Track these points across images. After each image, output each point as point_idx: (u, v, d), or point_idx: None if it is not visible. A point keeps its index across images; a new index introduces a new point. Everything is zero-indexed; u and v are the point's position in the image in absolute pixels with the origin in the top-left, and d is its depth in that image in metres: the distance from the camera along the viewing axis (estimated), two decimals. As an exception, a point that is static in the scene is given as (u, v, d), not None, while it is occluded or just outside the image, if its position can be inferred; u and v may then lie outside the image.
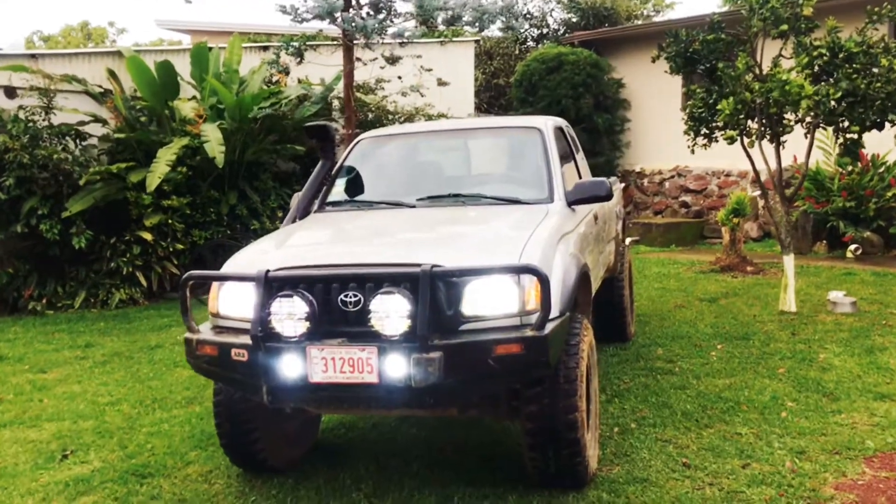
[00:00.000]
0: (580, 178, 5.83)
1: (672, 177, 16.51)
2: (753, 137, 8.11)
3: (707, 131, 8.68)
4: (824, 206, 11.93)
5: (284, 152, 11.46)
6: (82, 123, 10.46)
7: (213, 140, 9.63)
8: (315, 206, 5.15)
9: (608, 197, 4.89)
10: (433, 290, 3.60)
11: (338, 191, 5.21)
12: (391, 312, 3.54)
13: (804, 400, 5.43)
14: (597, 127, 16.11)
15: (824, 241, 12.19)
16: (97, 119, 10.54)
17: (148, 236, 10.00)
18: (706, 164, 15.45)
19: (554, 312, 3.78)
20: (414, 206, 4.84)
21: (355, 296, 3.67)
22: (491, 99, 18.98)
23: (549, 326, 3.66)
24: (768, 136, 7.96)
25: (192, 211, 10.50)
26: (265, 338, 3.68)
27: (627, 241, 13.83)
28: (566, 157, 5.69)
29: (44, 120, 10.07)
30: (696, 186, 15.91)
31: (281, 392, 3.75)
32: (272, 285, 3.74)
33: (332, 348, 3.60)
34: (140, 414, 5.71)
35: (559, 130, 5.64)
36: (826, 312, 8.04)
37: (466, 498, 4.08)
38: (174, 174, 10.03)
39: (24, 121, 9.79)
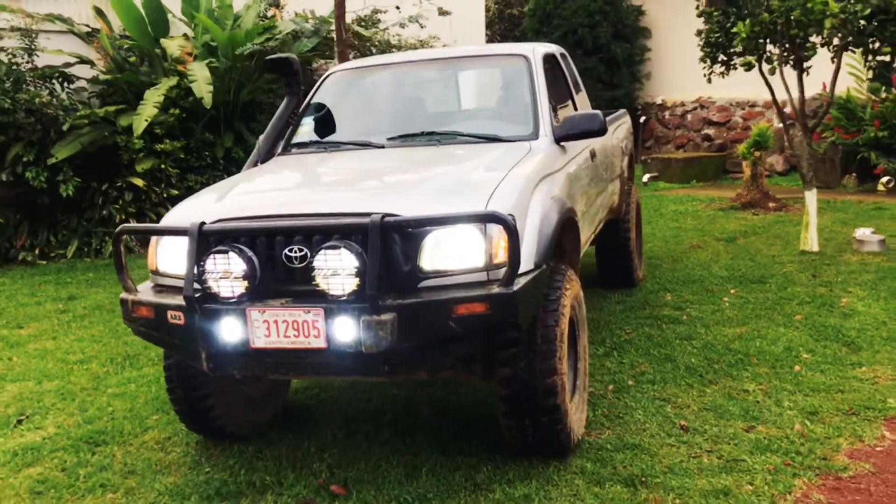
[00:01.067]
0: (578, 111, 5.30)
1: (694, 109, 15.76)
2: (774, 64, 7.46)
3: (725, 58, 8.04)
4: (854, 136, 11.22)
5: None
6: (68, 65, 10.01)
7: (201, 79, 9.16)
8: (279, 148, 4.69)
9: (601, 132, 4.37)
10: (386, 244, 3.17)
11: (305, 130, 4.74)
12: (337, 269, 3.10)
13: (821, 351, 4.96)
14: (615, 57, 15.36)
15: (854, 175, 11.52)
16: (83, 60, 10.07)
17: (140, 182, 9.61)
18: (730, 95, 14.70)
19: (527, 265, 3.34)
20: (383, 147, 4.37)
21: (301, 251, 3.24)
22: (505, 31, 18.19)
23: (521, 282, 3.22)
24: (791, 62, 7.31)
25: (186, 155, 10.08)
26: (202, 299, 3.28)
27: (645, 177, 13.36)
28: (560, 88, 5.15)
29: (27, 62, 9.63)
30: (720, 118, 15.17)
31: (222, 358, 3.36)
32: (208, 240, 3.32)
33: (275, 310, 3.18)
34: (108, 373, 5.39)
35: (551, 59, 5.09)
36: (851, 252, 7.50)
37: (437, 469, 3.70)
38: (166, 116, 9.60)
39: (7, 64, 9.36)
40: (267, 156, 4.61)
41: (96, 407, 4.77)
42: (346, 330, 3.12)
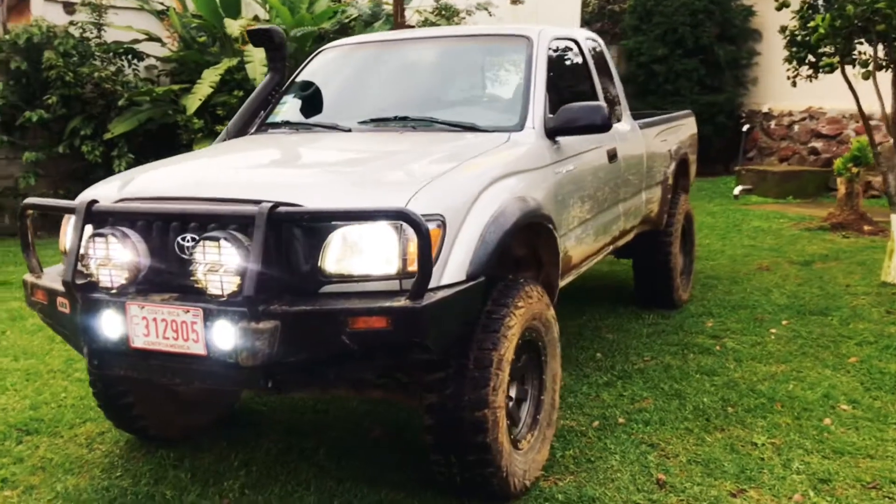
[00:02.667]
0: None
1: (803, 119, 14.52)
2: (870, 66, 6.53)
3: (813, 59, 7.14)
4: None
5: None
6: (136, 42, 10.03)
7: (257, 61, 8.95)
8: (254, 127, 4.29)
9: (603, 127, 3.77)
10: (281, 239, 2.70)
11: (283, 109, 4.33)
12: (216, 265, 2.67)
13: (867, 403, 4.17)
14: (718, 60, 14.30)
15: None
16: (151, 37, 10.06)
17: (196, 162, 9.50)
18: (843, 106, 13.38)
19: (455, 276, 2.81)
20: (349, 131, 3.90)
21: (193, 240, 2.81)
22: (605, 27, 17.34)
23: (437, 295, 2.69)
24: (883, 64, 6.37)
25: (245, 137, 9.92)
26: (84, 287, 2.91)
27: (737, 189, 12.36)
28: (575, 78, 4.54)
29: (97, 37, 9.68)
30: (830, 131, 13.89)
31: (104, 356, 2.97)
32: (98, 221, 2.95)
33: (154, 306, 2.77)
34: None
35: (567, 44, 4.48)
36: (943, 287, 6.50)
37: (351, 502, 3.21)
38: (228, 97, 9.46)
39: (76, 38, 9.42)
40: (238, 134, 4.23)
41: (51, 392, 4.53)
42: (226, 336, 2.67)
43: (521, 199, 3.26)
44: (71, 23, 9.56)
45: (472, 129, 3.72)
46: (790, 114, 14.71)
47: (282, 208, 2.66)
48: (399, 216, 2.60)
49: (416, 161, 3.21)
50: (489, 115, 3.87)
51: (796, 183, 12.30)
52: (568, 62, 4.46)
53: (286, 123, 4.18)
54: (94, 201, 2.96)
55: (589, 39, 4.87)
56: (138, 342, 2.82)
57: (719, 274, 7.15)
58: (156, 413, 3.69)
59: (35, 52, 9.17)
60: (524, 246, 3.61)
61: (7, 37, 9.21)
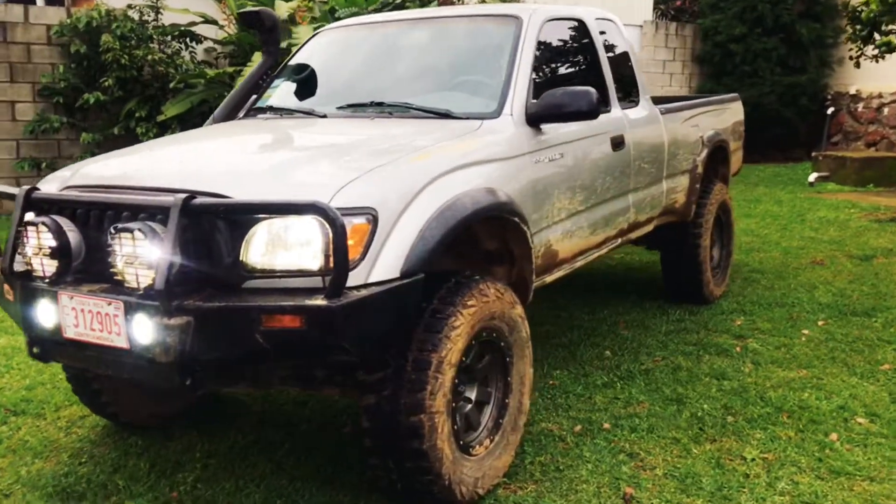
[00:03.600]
0: (608, 93, 4.39)
1: (894, 101, 13.64)
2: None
3: (881, 36, 6.61)
4: None
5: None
6: (193, 24, 10.13)
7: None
8: (243, 111, 4.22)
9: (590, 114, 3.52)
10: (203, 232, 2.61)
11: (271, 93, 4.24)
12: (132, 257, 2.59)
13: (888, 417, 3.82)
14: (801, 39, 13.55)
15: None
16: (207, 20, 10.15)
17: (247, 144, 9.58)
18: (938, 87, 12.55)
19: (388, 272, 2.67)
20: (325, 117, 3.77)
21: (114, 230, 2.74)
22: (684, 5, 16.65)
23: (359, 294, 2.55)
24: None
25: (297, 120, 9.94)
26: (23, 275, 2.89)
27: (812, 176, 11.70)
28: (577, 63, 4.29)
29: (154, 21, 9.84)
30: (923, 114, 13.01)
31: (43, 344, 2.95)
32: (38, 208, 2.91)
33: (82, 297, 2.72)
34: (96, 337, 5.23)
35: (563, 24, 4.22)
36: None
37: (298, 501, 3.11)
38: (279, 79, 9.47)
39: (134, 21, 9.60)
40: (225, 118, 4.16)
41: (51, 372, 4.59)
42: (144, 331, 2.60)
43: (483, 191, 3.08)
44: (129, 6, 9.74)
45: (445, 115, 3.54)
46: (880, 95, 13.87)
47: (198, 199, 2.56)
48: (312, 210, 2.46)
49: (363, 151, 3.06)
50: (466, 101, 3.67)
51: (878, 170, 11.54)
52: (568, 44, 4.20)
53: (270, 108, 4.08)
54: (35, 189, 2.93)
55: (600, 20, 4.58)
56: (70, 332, 2.78)
57: (766, 267, 6.73)
58: (124, 400, 3.67)
59: (95, 36, 9.37)
60: (495, 240, 3.42)
61: (69, 21, 9.45)
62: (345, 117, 3.73)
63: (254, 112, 4.17)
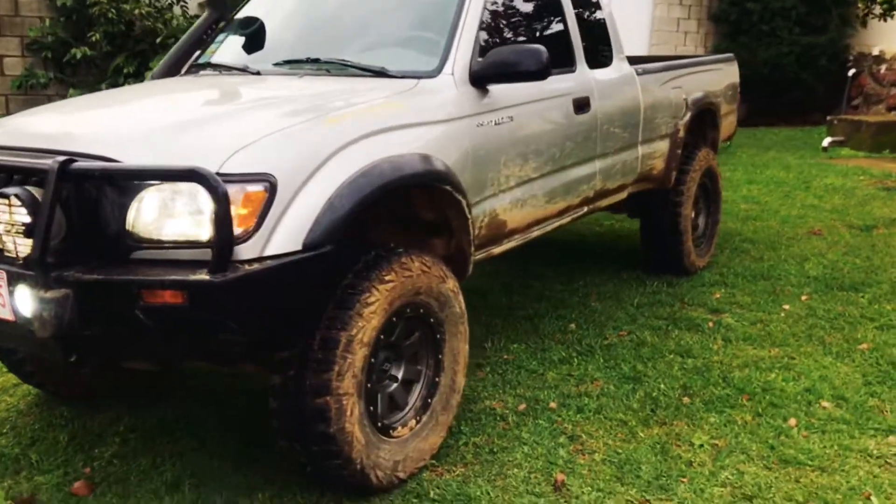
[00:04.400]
0: (573, 52, 4.13)
1: (918, 63, 13.11)
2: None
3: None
4: None
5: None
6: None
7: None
8: (186, 67, 4.01)
9: (539, 73, 3.28)
10: (87, 198, 2.43)
11: (215, 48, 4.02)
12: (9, 224, 2.42)
13: (857, 400, 3.59)
14: (822, -4, 12.99)
15: None
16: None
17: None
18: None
19: (282, 245, 2.46)
20: (258, 74, 3.56)
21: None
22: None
23: (251, 268, 2.37)
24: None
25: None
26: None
27: (826, 141, 11.29)
28: (533, 15, 4.01)
29: (147, -27, 9.61)
30: (947, 77, 12.48)
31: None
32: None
33: (-31, 266, 2.56)
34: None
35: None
36: None
37: (205, 484, 2.97)
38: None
39: (124, -26, 9.37)
40: (165, 75, 3.96)
41: None
42: (25, 303, 2.43)
43: (409, 157, 2.86)
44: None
45: (380, 73, 3.31)
46: (903, 57, 13.30)
47: (77, 163, 2.37)
48: (192, 176, 2.26)
49: (275, 112, 2.85)
50: (405, 58, 3.43)
51: (895, 135, 11.08)
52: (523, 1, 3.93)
53: (209, 65, 3.87)
54: (-74, 149, 2.75)
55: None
56: (-40, 302, 2.62)
57: (760, 237, 6.45)
58: (48, 369, 3.52)
59: (83, -12, 9.18)
60: (432, 209, 3.21)
61: (55, -28, 9.26)
62: (278, 74, 3.51)
63: (196, 68, 3.96)
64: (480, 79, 3.34)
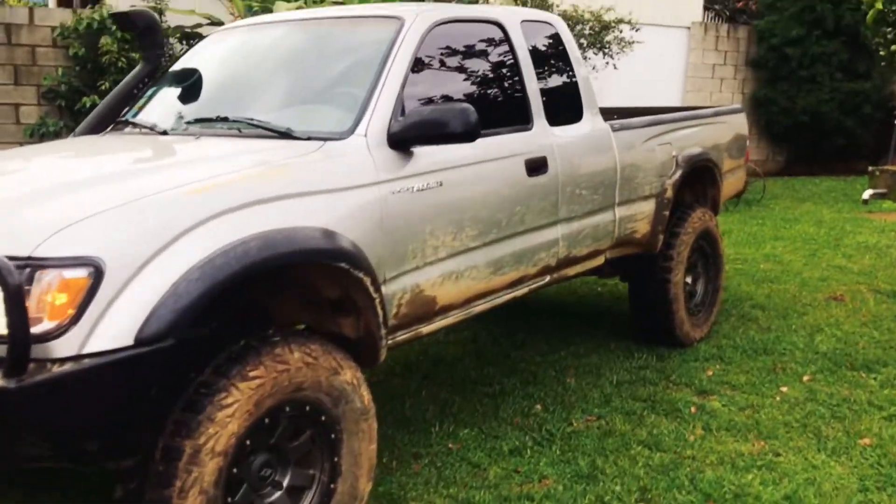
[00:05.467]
0: (529, 108, 3.74)
1: (970, 111, 12.35)
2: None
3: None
4: None
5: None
6: (199, 26, 9.83)
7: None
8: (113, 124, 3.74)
9: (466, 135, 2.92)
10: None
11: (142, 104, 3.75)
12: None
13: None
14: (864, 41, 12.39)
15: None
16: (213, 22, 9.83)
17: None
18: None
19: (109, 340, 2.11)
20: (165, 134, 3.26)
21: None
22: (745, 5, 15.56)
23: (62, 369, 2.02)
24: None
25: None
26: None
27: (867, 193, 10.56)
28: (481, 70, 3.64)
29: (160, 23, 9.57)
30: None
31: None
32: None
33: None
34: None
35: (464, 27, 3.57)
36: None
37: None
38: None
39: (137, 23, 9.34)
40: (89, 132, 3.70)
41: None
42: None
43: (293, 231, 2.50)
44: (132, 7, 9.48)
45: (286, 134, 2.96)
46: (954, 104, 12.58)
47: None
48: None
49: (128, 183, 2.51)
50: (317, 118, 3.09)
51: (943, 188, 10.35)
52: (475, 52, 3.57)
53: (127, 123, 3.59)
54: None
55: (531, 23, 3.92)
56: None
57: (773, 303, 5.91)
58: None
59: (95, 38, 9.16)
60: (335, 287, 2.83)
61: (69, 23, 9.27)
62: (180, 135, 3.20)
63: (121, 125, 3.69)
64: (401, 141, 2.98)
